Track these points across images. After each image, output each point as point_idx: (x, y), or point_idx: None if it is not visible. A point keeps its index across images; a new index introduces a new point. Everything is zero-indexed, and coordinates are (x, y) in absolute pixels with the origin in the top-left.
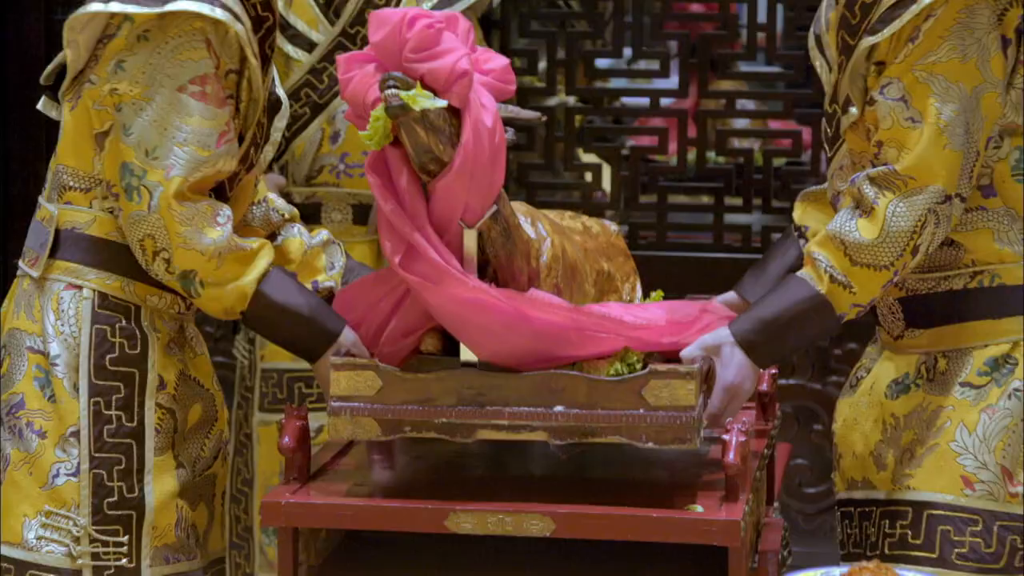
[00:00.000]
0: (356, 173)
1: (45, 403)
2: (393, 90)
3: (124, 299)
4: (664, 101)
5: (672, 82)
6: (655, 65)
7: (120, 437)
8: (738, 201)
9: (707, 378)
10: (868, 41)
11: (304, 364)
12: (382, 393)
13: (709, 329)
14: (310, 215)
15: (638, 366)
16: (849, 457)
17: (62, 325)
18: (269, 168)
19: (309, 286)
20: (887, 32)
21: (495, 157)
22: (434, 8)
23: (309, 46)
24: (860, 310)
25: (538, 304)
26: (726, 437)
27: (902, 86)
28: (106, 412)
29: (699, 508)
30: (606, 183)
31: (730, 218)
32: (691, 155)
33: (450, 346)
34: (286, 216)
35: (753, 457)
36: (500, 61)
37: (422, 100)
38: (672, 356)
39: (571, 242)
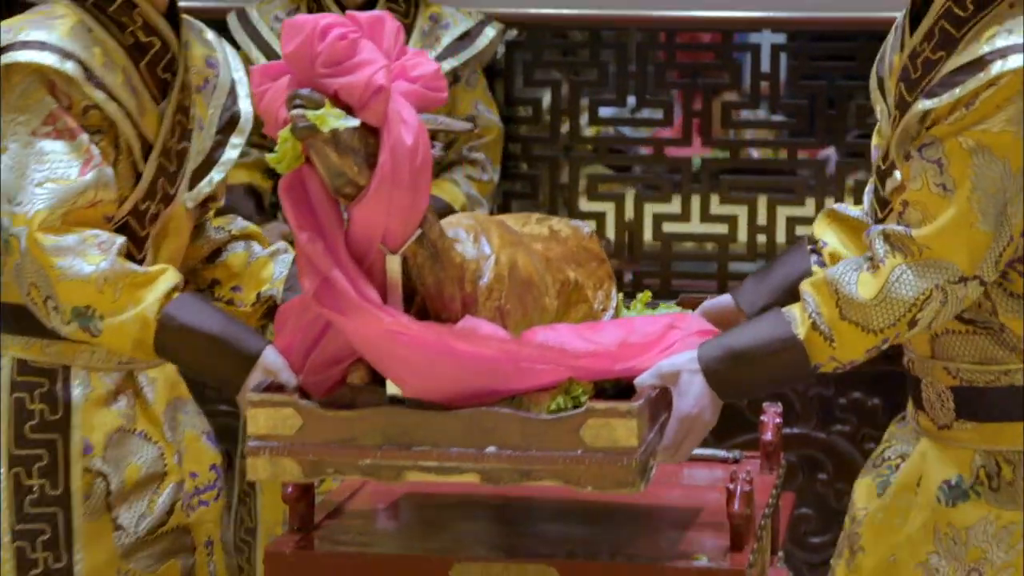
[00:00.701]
0: None
1: None
2: (300, 110)
3: (46, 362)
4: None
5: (675, 130)
6: (659, 114)
7: (44, 506)
8: (742, 249)
9: (660, 409)
10: (924, 105)
11: None
12: (303, 432)
13: (673, 351)
14: None
15: (583, 399)
16: (880, 557)
17: None
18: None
19: (253, 297)
20: (946, 99)
21: (417, 177)
22: (440, 56)
23: None
24: (838, 366)
25: (467, 335)
26: (730, 486)
27: (942, 148)
28: (27, 482)
29: (704, 559)
30: (610, 231)
31: (735, 266)
32: (695, 201)
33: (380, 377)
34: (233, 233)
35: (757, 507)
36: (429, 66)
37: (332, 120)
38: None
39: (528, 253)
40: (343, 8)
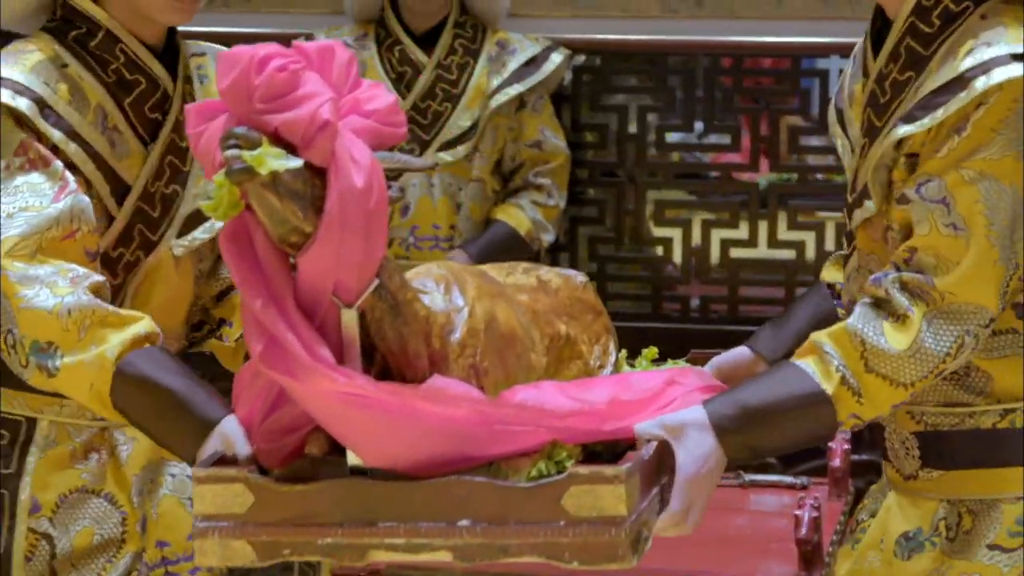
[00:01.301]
0: (426, 246)
1: None
2: (234, 150)
3: (10, 412)
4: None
5: (742, 155)
6: (726, 139)
7: None
8: (810, 275)
9: (659, 471)
10: (902, 131)
11: None
12: (255, 510)
13: (672, 409)
14: None
15: (568, 464)
16: None
17: None
18: None
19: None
20: (927, 122)
21: (370, 222)
22: (507, 81)
23: None
24: (857, 424)
25: (434, 396)
26: (798, 513)
27: (943, 185)
28: None
29: None
30: (677, 256)
31: (803, 292)
32: (763, 226)
33: (341, 446)
34: None
35: (825, 533)
36: (385, 99)
37: (271, 160)
38: (632, 442)
39: (510, 306)
40: (409, 32)
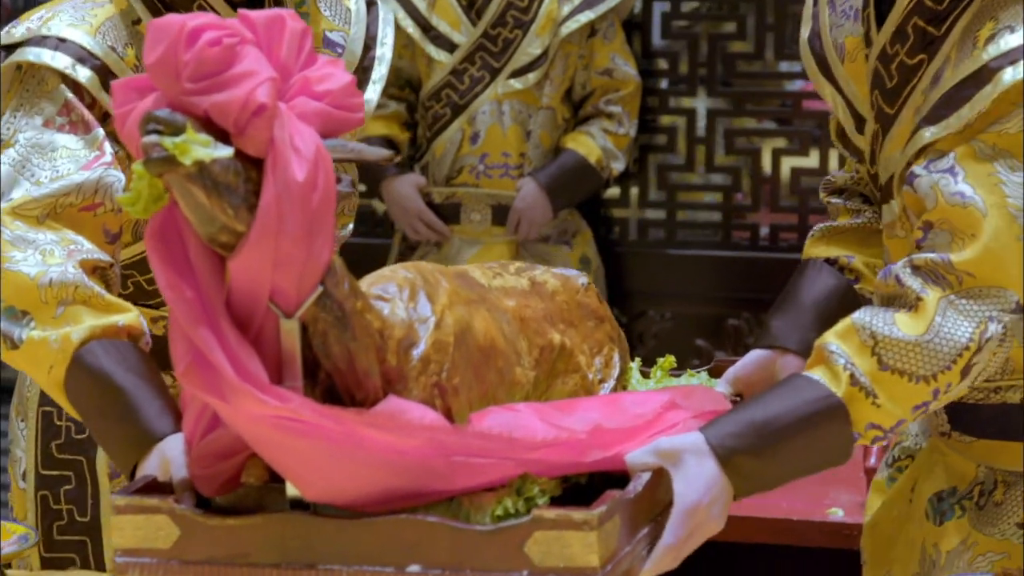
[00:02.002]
0: (496, 174)
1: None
2: (154, 136)
3: None
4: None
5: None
6: (797, 66)
7: (72, 535)
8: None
9: (649, 508)
10: (929, 134)
11: None
12: (181, 545)
13: (669, 431)
14: (449, 215)
15: (540, 501)
16: (876, 571)
17: (20, 406)
18: (410, 168)
19: None
20: (953, 123)
21: (316, 219)
22: (577, 8)
23: (451, 47)
24: (880, 437)
25: (383, 422)
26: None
27: (953, 156)
28: (55, 506)
29: (840, 513)
30: (747, 185)
31: None
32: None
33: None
34: None
35: None
36: (340, 79)
37: (196, 149)
38: (622, 472)
39: (492, 313)
40: None
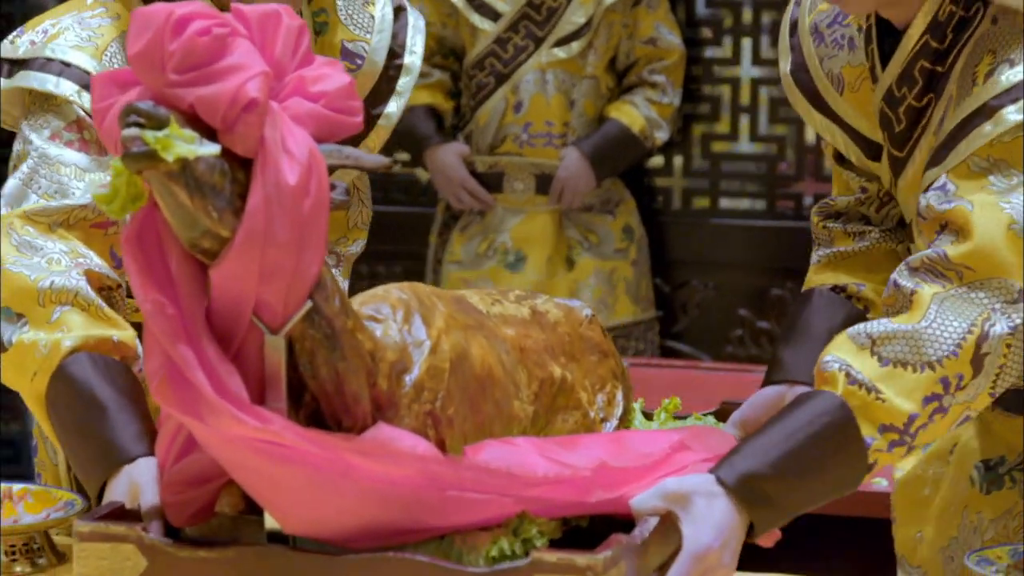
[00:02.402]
0: (539, 143)
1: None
2: (134, 129)
3: None
4: None
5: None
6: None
7: None
8: None
9: (656, 554)
10: (931, 175)
11: None
12: None
13: (678, 474)
14: (492, 184)
15: (538, 543)
16: (909, 531)
17: None
18: (454, 137)
19: None
20: (951, 162)
21: (307, 228)
22: None
23: (495, 16)
24: (897, 441)
25: (373, 451)
26: None
27: (945, 175)
28: None
29: (884, 483)
30: (791, 154)
31: None
32: None
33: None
34: None
35: None
36: (338, 79)
37: (180, 145)
38: (627, 517)
39: (490, 341)
40: None
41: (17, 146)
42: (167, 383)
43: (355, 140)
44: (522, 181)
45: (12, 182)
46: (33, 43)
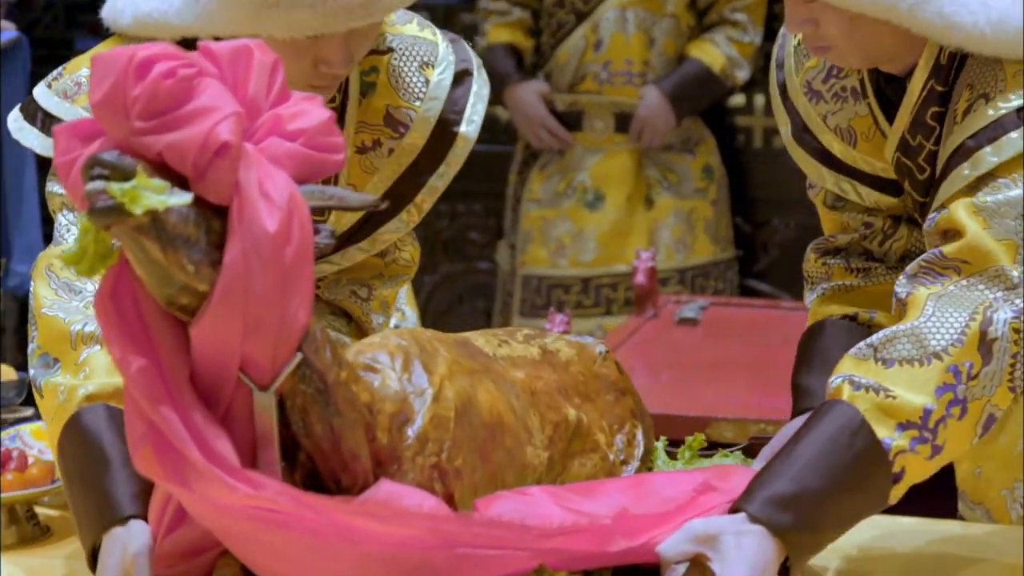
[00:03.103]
0: (619, 82)
1: None
2: (99, 182)
3: None
4: None
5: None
6: None
7: None
8: None
9: None
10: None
11: (563, 270)
12: None
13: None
14: (572, 123)
15: None
16: (968, 466)
17: None
18: (534, 75)
19: None
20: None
21: (290, 277)
22: None
23: None
24: (920, 439)
25: (375, 511)
26: None
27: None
28: None
29: None
30: None
31: None
32: None
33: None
34: None
35: None
36: (317, 116)
37: (148, 196)
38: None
39: (497, 386)
40: None
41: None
42: (151, 451)
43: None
44: (601, 120)
45: (57, 219)
46: (65, 94)
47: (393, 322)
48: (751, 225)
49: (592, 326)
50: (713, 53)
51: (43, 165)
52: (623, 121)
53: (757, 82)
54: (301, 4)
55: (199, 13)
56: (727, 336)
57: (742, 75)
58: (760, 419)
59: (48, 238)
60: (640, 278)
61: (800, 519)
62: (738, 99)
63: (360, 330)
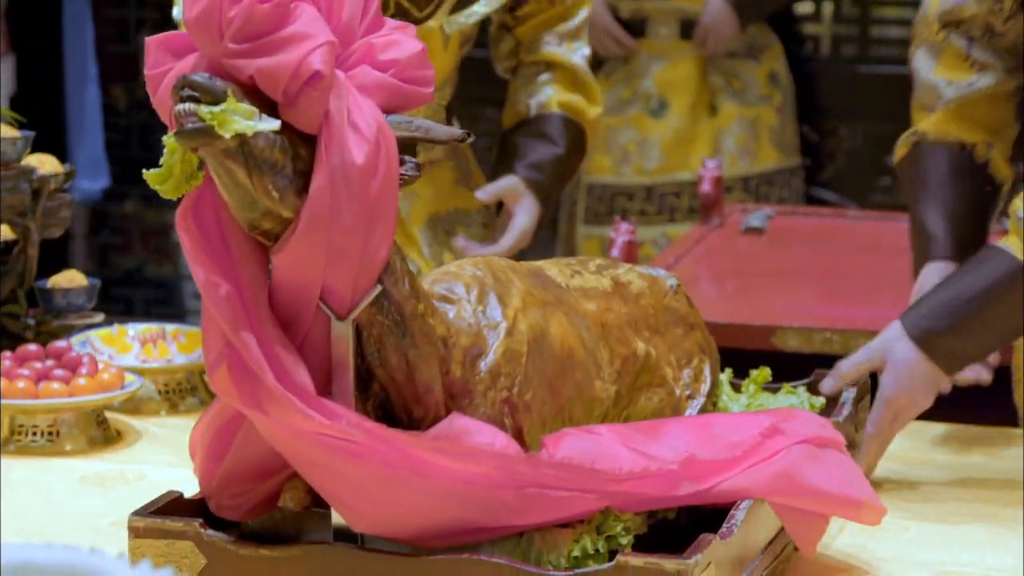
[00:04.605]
0: None
1: None
2: (189, 103)
3: None
4: None
5: None
6: None
7: None
8: None
9: (743, 547)
10: None
11: (627, 178)
12: None
13: (774, 464)
14: (636, 29)
15: (623, 540)
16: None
17: None
18: None
19: None
20: None
21: (375, 210)
22: None
23: None
24: None
25: (447, 446)
26: None
27: None
28: None
29: None
30: None
31: None
32: None
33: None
34: None
35: None
36: (410, 47)
37: (237, 120)
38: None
39: (569, 318)
40: None
41: None
42: (228, 371)
43: None
44: (666, 26)
45: None
46: None
47: None
48: (818, 134)
49: (656, 234)
50: None
51: (105, 81)
52: (687, 27)
53: None
54: None
55: None
56: (793, 245)
57: None
58: (826, 328)
59: (111, 154)
60: (706, 187)
61: (962, 360)
62: (806, 7)
63: None
